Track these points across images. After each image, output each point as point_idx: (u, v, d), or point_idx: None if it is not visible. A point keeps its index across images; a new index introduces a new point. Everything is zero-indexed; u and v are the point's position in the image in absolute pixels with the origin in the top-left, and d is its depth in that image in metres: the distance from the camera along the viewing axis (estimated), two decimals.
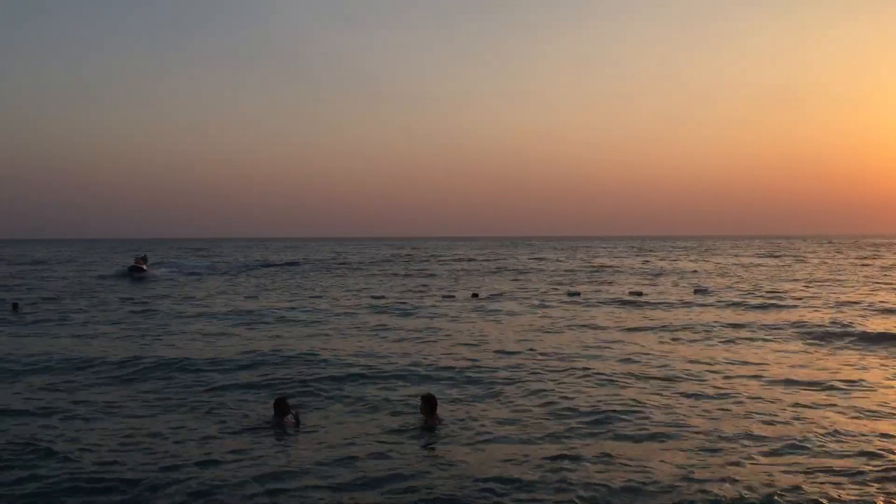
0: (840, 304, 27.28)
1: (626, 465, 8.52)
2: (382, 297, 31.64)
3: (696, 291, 33.51)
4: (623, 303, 28.78)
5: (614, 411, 10.99)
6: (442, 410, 10.52)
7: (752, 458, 8.71)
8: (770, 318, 23.30)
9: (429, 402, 10.31)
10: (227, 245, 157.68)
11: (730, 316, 23.91)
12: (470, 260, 76.63)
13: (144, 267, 50.36)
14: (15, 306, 27.25)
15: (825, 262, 63.93)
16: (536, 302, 29.22)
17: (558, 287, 37.93)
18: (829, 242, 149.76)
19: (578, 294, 32.83)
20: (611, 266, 60.87)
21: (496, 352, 16.74)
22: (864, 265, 58.49)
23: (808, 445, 9.18)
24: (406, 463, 8.59)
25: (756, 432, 9.81)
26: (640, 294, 32.54)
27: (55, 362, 15.28)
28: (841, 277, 43.60)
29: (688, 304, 27.81)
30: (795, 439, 9.42)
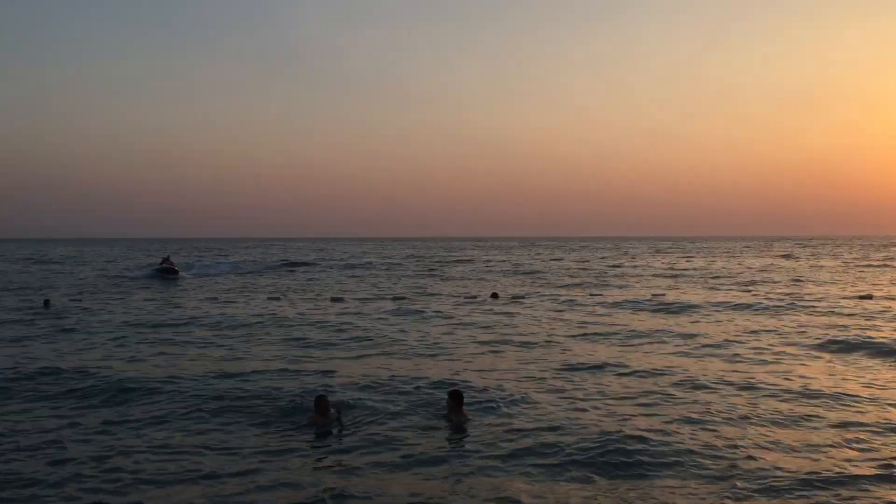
0: None
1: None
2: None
3: None
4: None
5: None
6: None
7: None
8: None
9: (456, 398, 10.78)
10: (235, 246, 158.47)
11: None
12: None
13: (176, 269, 49.95)
14: (46, 303, 28.16)
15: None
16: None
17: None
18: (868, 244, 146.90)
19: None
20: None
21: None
22: None
23: None
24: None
25: None
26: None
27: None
28: None
29: None
30: None
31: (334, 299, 31.41)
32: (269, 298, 32.43)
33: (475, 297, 32.58)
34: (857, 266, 59.38)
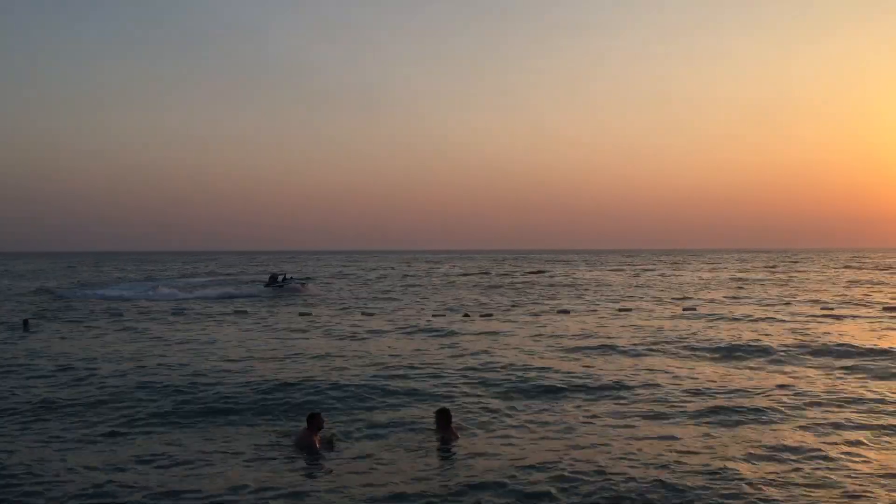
0: None
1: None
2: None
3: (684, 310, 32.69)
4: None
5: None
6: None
7: None
8: None
9: (443, 416, 10.88)
10: (228, 257, 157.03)
11: None
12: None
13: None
14: (25, 323, 26.95)
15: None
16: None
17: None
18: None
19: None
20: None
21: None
22: None
23: None
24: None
25: None
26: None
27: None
28: None
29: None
30: None
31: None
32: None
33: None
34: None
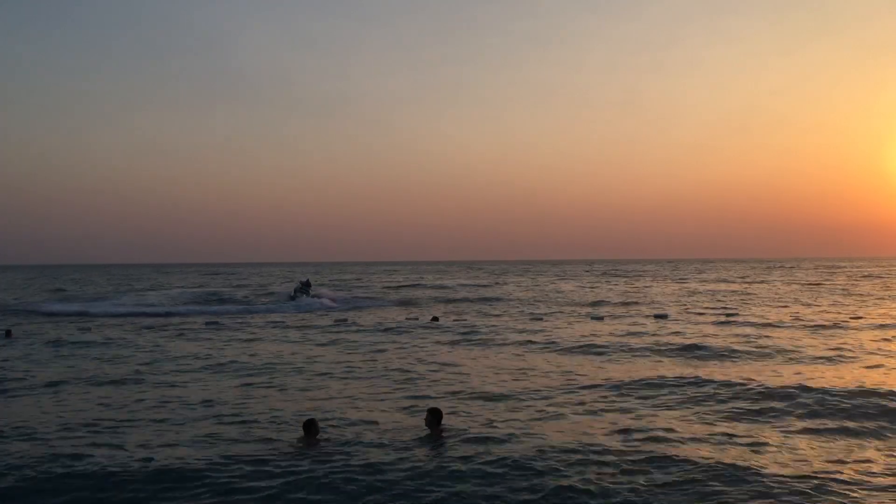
0: None
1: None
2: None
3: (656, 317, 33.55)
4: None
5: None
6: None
7: None
8: None
9: (434, 415, 11.50)
10: (187, 272, 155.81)
11: None
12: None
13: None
14: (8, 333, 27.32)
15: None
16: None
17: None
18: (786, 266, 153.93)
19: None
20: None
21: None
22: None
23: None
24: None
25: None
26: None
27: None
28: None
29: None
30: None
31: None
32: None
33: (416, 318, 33.48)
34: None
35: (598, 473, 9.59)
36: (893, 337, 24.62)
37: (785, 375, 17.00)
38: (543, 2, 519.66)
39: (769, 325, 29.00)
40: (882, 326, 27.95)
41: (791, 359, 19.79)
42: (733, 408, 13.62)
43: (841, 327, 27.69)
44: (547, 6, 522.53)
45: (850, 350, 21.26)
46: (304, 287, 51.00)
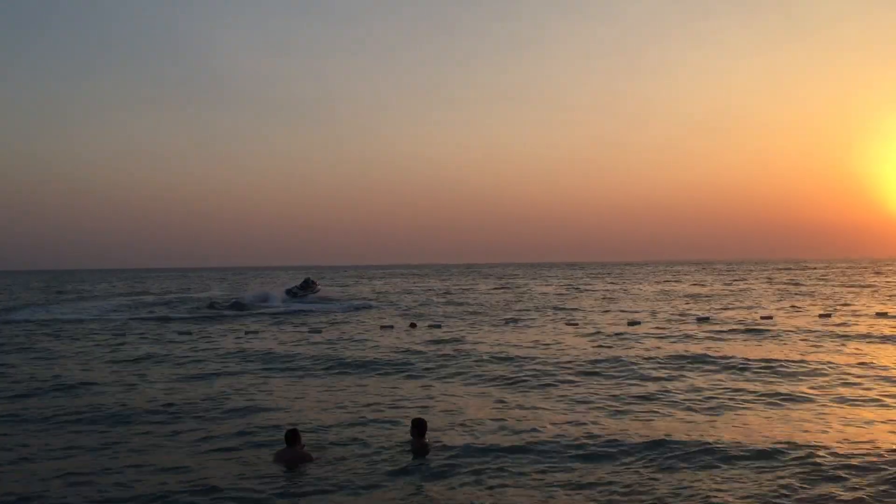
0: None
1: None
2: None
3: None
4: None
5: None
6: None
7: None
8: None
9: (418, 427, 11.63)
10: (165, 276, 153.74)
11: None
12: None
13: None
14: None
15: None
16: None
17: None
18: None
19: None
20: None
21: None
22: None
23: None
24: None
25: None
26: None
27: None
28: None
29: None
30: None
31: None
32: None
33: (391, 326, 33.08)
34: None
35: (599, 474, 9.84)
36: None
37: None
38: (522, 4, 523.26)
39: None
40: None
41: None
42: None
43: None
44: (525, 9, 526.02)
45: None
46: (304, 287, 49.99)
